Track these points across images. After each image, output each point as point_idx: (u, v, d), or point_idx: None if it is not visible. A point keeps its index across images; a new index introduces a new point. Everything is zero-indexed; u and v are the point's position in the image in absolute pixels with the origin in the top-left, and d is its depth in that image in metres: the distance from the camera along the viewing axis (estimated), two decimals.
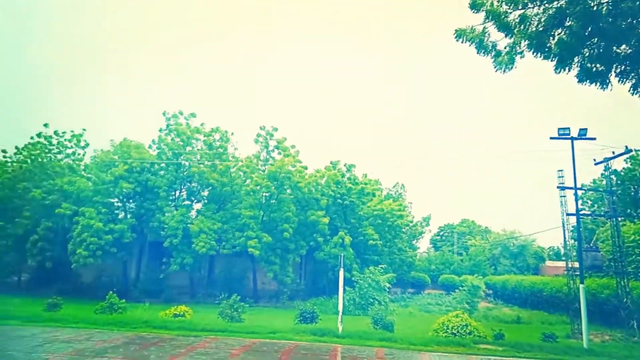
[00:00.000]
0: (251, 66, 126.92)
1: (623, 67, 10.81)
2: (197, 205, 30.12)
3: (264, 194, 27.27)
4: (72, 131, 30.20)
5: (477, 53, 10.86)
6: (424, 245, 70.96)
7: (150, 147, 28.72)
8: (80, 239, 24.34)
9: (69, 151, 30.57)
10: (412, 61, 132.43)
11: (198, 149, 28.85)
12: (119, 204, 27.96)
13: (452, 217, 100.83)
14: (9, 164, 30.10)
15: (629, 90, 11.30)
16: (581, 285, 14.84)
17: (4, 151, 31.38)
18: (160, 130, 28.81)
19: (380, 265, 27.10)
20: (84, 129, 30.48)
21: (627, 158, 38.19)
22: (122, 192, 26.18)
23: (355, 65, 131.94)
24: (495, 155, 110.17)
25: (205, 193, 29.88)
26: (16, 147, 29.92)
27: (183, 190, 29.82)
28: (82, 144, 30.54)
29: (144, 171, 27.29)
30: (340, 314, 14.96)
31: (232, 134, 29.72)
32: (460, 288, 27.30)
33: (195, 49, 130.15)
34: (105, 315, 16.73)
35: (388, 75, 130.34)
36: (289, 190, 27.73)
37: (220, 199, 29.07)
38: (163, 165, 28.46)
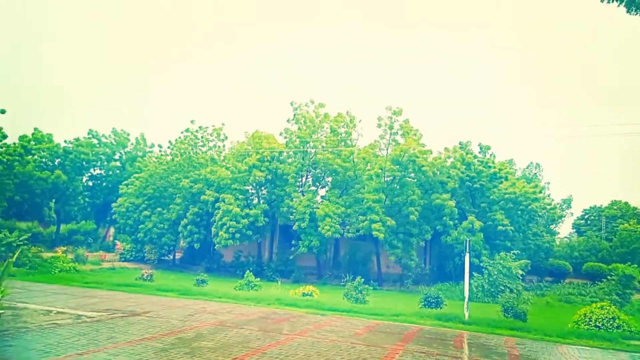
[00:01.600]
0: (367, 47, 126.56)
1: None
2: (322, 191, 31.42)
3: (387, 178, 27.34)
4: (214, 126, 33.77)
5: (628, 12, 9.48)
6: (565, 230, 64.48)
7: (281, 134, 30.54)
8: (221, 223, 27.17)
9: (211, 144, 34.27)
10: (545, 24, 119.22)
11: (324, 137, 29.88)
12: (253, 191, 30.49)
13: (600, 199, 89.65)
14: (164, 157, 34.84)
15: None
16: None
17: (160, 146, 36.36)
18: (288, 120, 30.47)
19: (512, 252, 25.43)
20: (223, 124, 33.99)
21: None
22: (256, 180, 28.42)
23: (483, 39, 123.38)
24: None
25: (329, 179, 30.94)
26: (170, 142, 34.49)
27: (309, 176, 31.33)
28: (222, 137, 33.98)
29: (273, 160, 29.28)
30: (467, 300, 14.51)
31: (360, 121, 30.19)
32: (609, 277, 24.39)
33: (304, 37, 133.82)
34: (243, 292, 18.56)
35: (518, 42, 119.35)
36: (412, 174, 27.36)
37: (343, 184, 29.88)
38: (291, 153, 30.15)
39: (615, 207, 56.20)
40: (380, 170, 26.48)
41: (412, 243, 26.93)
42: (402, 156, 25.94)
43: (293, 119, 30.19)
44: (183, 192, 30.57)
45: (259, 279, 21.20)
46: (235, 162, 29.72)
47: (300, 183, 30.75)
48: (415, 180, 27.70)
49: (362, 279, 18.55)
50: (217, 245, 28.06)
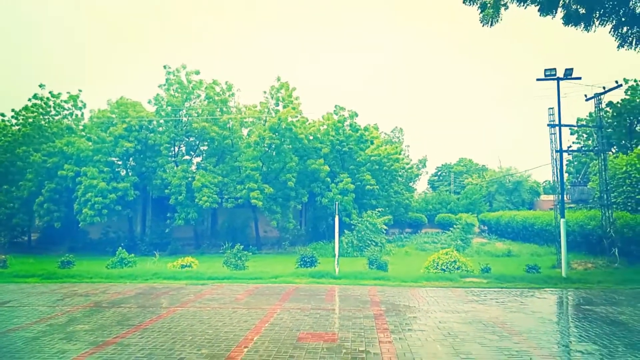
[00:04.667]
0: (249, 11, 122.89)
1: (603, 10, 11.00)
2: (196, 159, 30.72)
3: (264, 145, 27.76)
4: (69, 92, 30.42)
5: (464, 3, 11.03)
6: (421, 186, 72.11)
7: (150, 102, 28.66)
8: (85, 199, 25.18)
9: (67, 112, 30.88)
10: (409, 6, 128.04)
11: (199, 104, 28.86)
12: (120, 163, 28.55)
13: (450, 157, 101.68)
14: (8, 128, 30.48)
15: (609, 32, 11.53)
16: (562, 220, 15.69)
17: (2, 114, 31.62)
18: (160, 85, 28.71)
19: (377, 209, 28.07)
20: (80, 90, 30.69)
21: (627, 89, 38.20)
22: (123, 151, 26.59)
23: (353, 10, 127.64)
24: (491, 96, 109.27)
25: (204, 147, 30.25)
26: (13, 110, 30.18)
27: (182, 145, 30.25)
28: (80, 104, 30.79)
29: (142, 129, 27.56)
30: (337, 257, 15.93)
31: (239, 89, 29.74)
32: (455, 226, 28.31)
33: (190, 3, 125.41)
34: (117, 270, 17.78)
35: (386, 20, 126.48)
36: (288, 141, 28.10)
37: (219, 152, 29.48)
38: (162, 122, 28.68)
39: (461, 164, 64.50)
40: (258, 139, 26.80)
41: (290, 207, 28.12)
42: (279, 124, 26.51)
43: (165, 84, 28.55)
44: (35, 166, 27.37)
45: (132, 254, 20.38)
46: (98, 131, 27.37)
47: (174, 152, 29.65)
48: (291, 147, 28.59)
49: (242, 246, 19.06)
50: (81, 223, 26.00)
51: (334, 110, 32.51)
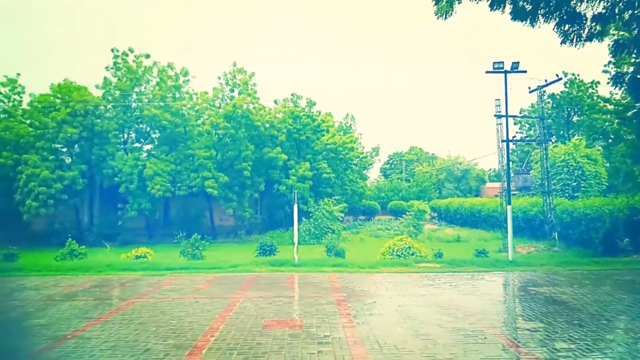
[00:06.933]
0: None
1: (547, 7, 11.63)
2: (147, 147, 29.78)
3: (218, 132, 27.28)
4: (6, 76, 28.34)
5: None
6: (374, 174, 73.59)
7: (97, 86, 27.35)
8: (27, 189, 23.83)
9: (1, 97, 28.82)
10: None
11: (149, 89, 27.88)
12: (65, 150, 27.18)
13: (401, 146, 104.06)
14: None
15: (553, 29, 12.21)
16: (508, 207, 16.63)
17: None
18: (107, 68, 27.40)
19: (333, 197, 28.46)
20: (18, 73, 28.58)
21: (566, 82, 40.52)
22: (67, 137, 25.31)
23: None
24: (443, 86, 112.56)
25: (156, 135, 29.31)
26: None
27: (132, 132, 29.18)
28: (18, 88, 28.79)
29: (88, 114, 26.32)
30: (296, 244, 16.09)
31: (194, 77, 29.05)
32: (407, 213, 29.20)
33: None
34: (67, 262, 17.03)
35: (341, 11, 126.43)
36: (244, 128, 27.78)
37: (171, 140, 28.68)
38: (110, 107, 27.46)
39: (412, 153, 66.22)
40: (210, 127, 26.34)
41: (246, 195, 27.94)
42: (234, 112, 26.14)
43: (113, 68, 27.30)
44: None
45: (83, 246, 19.58)
46: (40, 116, 25.83)
47: (123, 139, 28.54)
48: (246, 134, 28.30)
49: (198, 235, 18.78)
50: (25, 215, 24.59)
51: (291, 99, 32.48)
